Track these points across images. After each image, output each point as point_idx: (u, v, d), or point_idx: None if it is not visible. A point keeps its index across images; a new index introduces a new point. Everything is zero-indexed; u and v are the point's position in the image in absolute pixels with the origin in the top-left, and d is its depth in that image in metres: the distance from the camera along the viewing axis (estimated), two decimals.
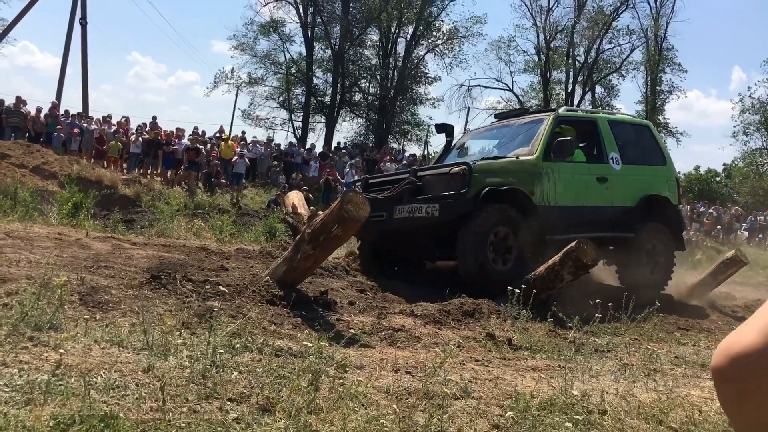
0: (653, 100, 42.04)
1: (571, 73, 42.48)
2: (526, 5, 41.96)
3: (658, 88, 42.25)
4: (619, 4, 40.80)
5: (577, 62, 42.38)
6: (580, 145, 8.86)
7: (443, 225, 7.31)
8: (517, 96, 43.35)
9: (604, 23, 40.39)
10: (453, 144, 10.13)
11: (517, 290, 5.81)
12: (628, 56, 41.81)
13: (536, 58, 42.43)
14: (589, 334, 5.81)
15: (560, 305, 5.91)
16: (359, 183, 8.78)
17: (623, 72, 42.28)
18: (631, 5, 40.97)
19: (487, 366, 4.39)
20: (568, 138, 8.05)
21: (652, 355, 5.28)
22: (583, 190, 8.47)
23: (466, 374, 3.95)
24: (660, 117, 42.70)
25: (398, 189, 7.63)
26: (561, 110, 8.94)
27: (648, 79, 42.40)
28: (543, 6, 41.91)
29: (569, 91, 42.48)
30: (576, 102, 42.32)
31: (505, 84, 43.33)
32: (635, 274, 8.44)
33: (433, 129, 13.83)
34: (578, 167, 8.55)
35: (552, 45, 42.13)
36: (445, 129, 10.29)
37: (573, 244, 6.87)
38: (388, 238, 8.07)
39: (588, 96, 43.01)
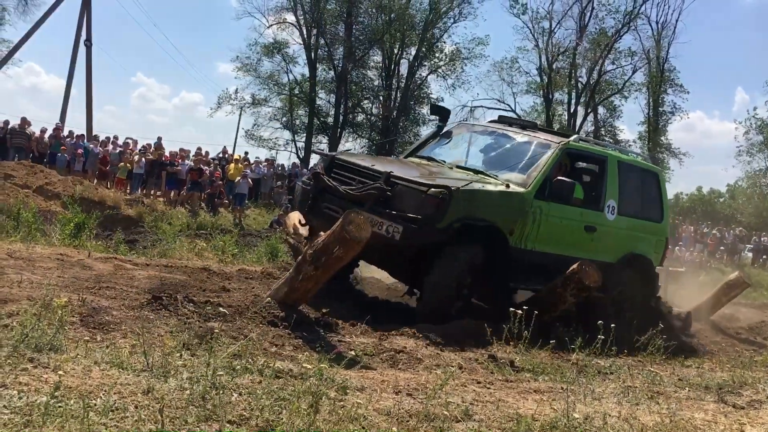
0: (655, 120, 42.16)
1: (573, 95, 42.66)
2: (528, 27, 42.21)
3: (660, 109, 42.39)
4: (621, 26, 41.05)
5: (579, 83, 42.58)
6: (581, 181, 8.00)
7: (400, 251, 6.40)
8: (519, 117, 43.49)
9: (606, 45, 40.61)
10: (444, 130, 8.89)
11: (519, 312, 5.77)
12: (630, 78, 42.00)
13: (538, 80, 42.61)
14: (592, 356, 5.78)
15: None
16: (324, 159, 7.56)
17: (625, 93, 42.43)
18: (633, 27, 41.23)
19: (488, 388, 4.37)
20: (570, 180, 7.22)
21: (655, 378, 5.25)
22: (568, 239, 7.53)
23: (467, 396, 3.93)
24: (662, 138, 42.84)
25: (364, 191, 6.59)
26: (573, 139, 7.90)
27: (650, 100, 42.55)
28: (545, 28, 42.16)
29: (572, 112, 42.64)
30: (578, 123, 42.46)
31: (508, 105, 43.45)
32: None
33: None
34: (569, 211, 7.46)
35: (554, 66, 42.32)
36: (440, 112, 9.29)
37: (575, 265, 6.85)
38: None
39: (590, 117, 43.19)
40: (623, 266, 7.98)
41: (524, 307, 5.95)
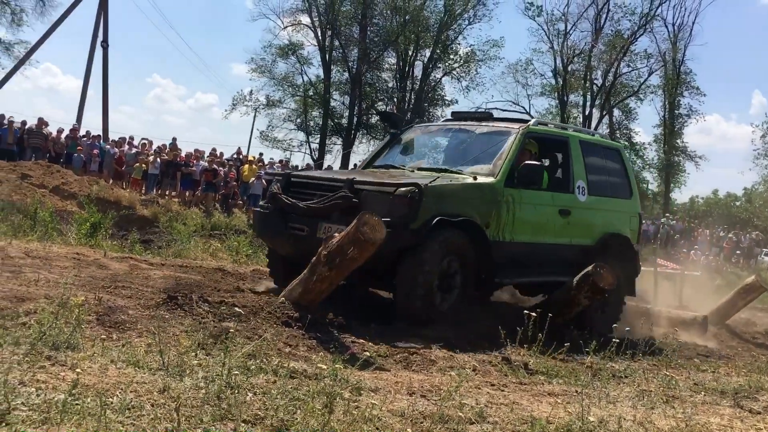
0: (671, 123, 41.95)
1: (588, 97, 42.47)
2: (543, 29, 42.11)
3: (676, 111, 42.18)
4: (636, 28, 40.88)
5: (594, 86, 42.39)
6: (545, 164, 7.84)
7: (376, 257, 5.71)
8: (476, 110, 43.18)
9: (621, 47, 40.41)
10: (398, 137, 8.43)
11: (533, 314, 5.75)
12: (646, 80, 41.80)
13: (553, 82, 42.49)
14: (607, 360, 5.75)
15: None
16: (279, 180, 7.09)
17: (641, 95, 42.24)
18: (649, 29, 41.06)
19: (502, 390, 4.36)
20: (538, 163, 7.00)
21: (670, 382, 5.21)
22: (543, 225, 7.30)
23: (481, 398, 3.92)
24: (678, 140, 42.61)
25: (327, 202, 6.27)
26: (532, 123, 7.67)
27: (666, 102, 42.35)
28: (560, 30, 42.04)
29: (587, 114, 42.47)
30: (593, 126, 42.31)
31: (522, 107, 43.34)
32: (585, 314, 7.29)
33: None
34: (541, 196, 7.26)
35: (569, 68, 42.19)
36: (391, 119, 8.96)
37: (590, 267, 6.82)
38: (308, 254, 6.17)
39: (605, 119, 42.98)
40: (603, 248, 7.78)
41: (538, 310, 5.92)
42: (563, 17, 41.73)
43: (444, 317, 6.20)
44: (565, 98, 42.33)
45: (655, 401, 4.40)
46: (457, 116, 8.75)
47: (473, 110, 10.19)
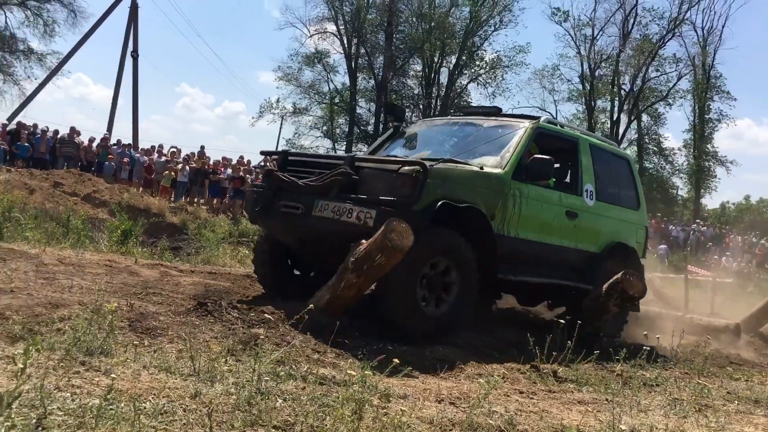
0: (701, 128, 41.43)
1: (616, 102, 42.15)
2: (570, 34, 41.98)
3: (706, 116, 41.65)
4: (665, 33, 40.55)
5: (622, 91, 42.06)
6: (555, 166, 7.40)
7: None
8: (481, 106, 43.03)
9: (650, 51, 40.07)
10: (401, 130, 8.25)
11: (562, 321, 5.70)
12: (675, 84, 41.41)
13: (580, 87, 42.25)
14: (638, 368, 5.69)
15: None
16: (275, 158, 6.78)
17: (670, 100, 41.88)
18: (678, 33, 40.71)
19: (532, 398, 4.33)
20: (548, 157, 6.64)
21: (703, 390, 5.14)
22: (550, 224, 7.01)
23: (510, 406, 3.90)
24: (709, 145, 42.04)
25: (326, 179, 5.90)
26: (543, 119, 7.37)
27: (696, 107, 41.83)
28: (587, 35, 41.86)
29: (614, 119, 42.13)
30: (621, 131, 41.92)
31: (549, 113, 43.13)
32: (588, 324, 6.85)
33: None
34: (549, 195, 7.01)
35: (597, 74, 41.93)
36: (395, 111, 8.69)
37: (619, 275, 6.75)
38: (302, 234, 6.21)
39: (634, 124, 42.58)
40: (609, 257, 7.53)
41: (567, 317, 5.87)
42: (590, 22, 41.60)
43: (441, 325, 5.80)
44: (593, 103, 42.06)
45: (688, 410, 4.35)
46: (464, 110, 8.59)
47: (480, 106, 9.49)
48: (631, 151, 43.45)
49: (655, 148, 43.14)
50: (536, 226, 6.81)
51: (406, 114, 9.61)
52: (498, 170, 6.50)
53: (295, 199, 6.07)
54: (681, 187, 44.71)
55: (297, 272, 7.23)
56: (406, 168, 5.73)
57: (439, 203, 5.66)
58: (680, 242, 28.56)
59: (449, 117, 8.58)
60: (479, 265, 6.03)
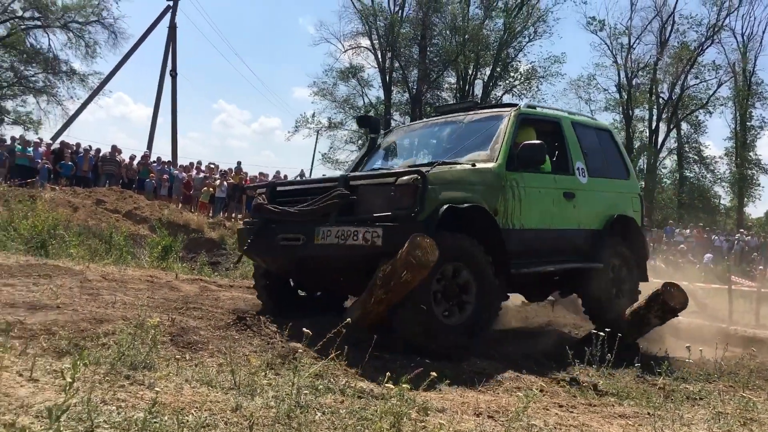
0: (743, 135, 40.60)
1: (654, 111, 41.57)
2: (606, 43, 41.65)
3: (748, 123, 40.84)
4: (704, 40, 39.96)
5: (661, 99, 41.49)
6: None
7: (388, 257, 5.17)
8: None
9: (688, 59, 39.49)
10: (377, 143, 8.04)
11: (601, 334, 5.63)
12: (714, 92, 40.70)
13: (617, 96, 41.79)
14: (680, 381, 5.59)
15: None
16: (263, 191, 6.54)
17: (710, 108, 41.14)
18: (717, 40, 40.07)
19: (571, 412, 4.29)
20: (539, 142, 6.48)
21: (748, 404, 5.02)
22: (549, 209, 6.84)
23: (550, 420, 3.87)
24: (751, 153, 41.20)
25: (323, 203, 5.69)
26: (523, 104, 7.14)
27: (737, 114, 41.03)
28: (624, 44, 41.44)
29: (653, 128, 41.55)
30: (660, 140, 41.33)
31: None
32: (602, 303, 7.14)
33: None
34: (544, 179, 6.84)
35: (634, 82, 41.45)
36: (369, 122, 8.29)
37: (659, 287, 6.66)
38: (306, 265, 5.99)
39: (673, 133, 41.94)
40: (611, 231, 7.49)
41: (606, 330, 5.80)
42: (626, 31, 41.25)
43: (463, 334, 5.60)
44: (630, 112, 41.54)
45: (732, 424, 4.25)
46: (441, 110, 8.42)
47: (455, 103, 9.39)
48: (670, 160, 42.90)
49: (696, 157, 42.44)
50: (538, 214, 6.68)
51: (375, 118, 9.35)
52: (491, 164, 6.33)
53: (294, 230, 5.85)
54: (723, 196, 43.91)
55: (302, 293, 7.09)
56: (404, 178, 5.50)
57: (443, 208, 5.51)
58: (723, 252, 27.94)
59: (426, 119, 8.35)
60: (494, 261, 5.87)
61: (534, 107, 7.59)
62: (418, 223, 5.35)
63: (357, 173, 6.28)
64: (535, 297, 7.84)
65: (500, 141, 6.51)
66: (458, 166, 6.16)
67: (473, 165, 6.23)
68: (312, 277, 6.43)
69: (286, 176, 25.00)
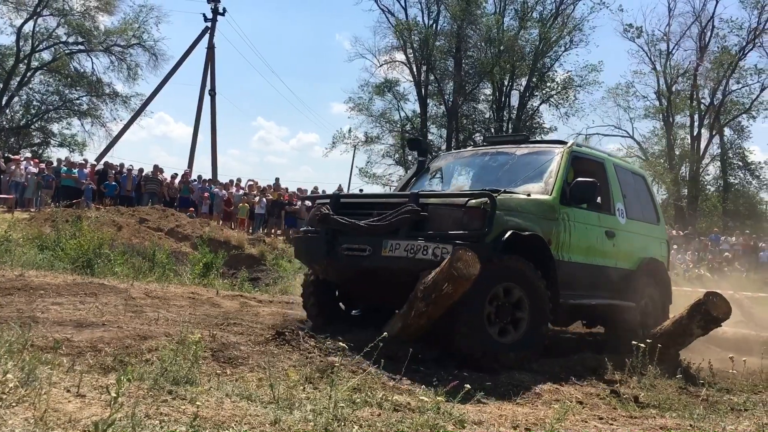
0: None
1: (696, 117, 40.80)
2: (644, 50, 41.06)
3: None
4: (745, 44, 39.05)
5: (702, 105, 40.71)
6: None
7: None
8: (638, 143, 42.12)
9: (729, 63, 38.70)
10: (427, 166, 8.24)
11: (642, 345, 5.57)
12: (758, 96, 39.69)
13: (657, 103, 41.15)
14: (724, 392, 5.49)
15: None
16: (326, 201, 6.64)
17: (754, 113, 40.07)
18: (759, 44, 39.09)
19: (611, 424, 4.25)
20: (591, 180, 6.70)
21: None
22: (594, 245, 7.09)
23: None
24: None
25: (394, 217, 5.88)
26: (574, 143, 7.45)
27: None
28: (662, 50, 40.84)
29: (695, 135, 40.78)
30: (703, 146, 40.56)
31: (625, 131, 42.24)
32: (627, 340, 6.46)
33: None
34: (590, 216, 7.09)
35: (674, 89, 40.76)
36: (419, 146, 8.61)
37: (702, 296, 6.56)
38: (370, 276, 6.16)
39: (716, 139, 41.10)
40: (643, 273, 7.69)
41: (648, 341, 5.74)
42: (665, 37, 40.64)
43: (517, 353, 5.71)
44: (671, 119, 40.86)
45: None
46: (491, 140, 8.76)
47: (506, 135, 9.69)
48: (714, 167, 41.99)
49: (740, 163, 41.45)
50: (583, 248, 6.92)
51: (425, 141, 9.46)
52: (546, 196, 6.58)
53: (360, 241, 6.04)
54: None
55: (342, 306, 7.23)
56: (474, 201, 5.75)
57: (508, 233, 5.73)
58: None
59: (476, 148, 8.59)
60: (548, 289, 6.05)
61: (581, 146, 7.85)
62: (486, 244, 5.61)
63: (426, 192, 6.49)
64: (560, 324, 7.86)
65: (554, 175, 6.79)
66: (520, 195, 6.37)
67: (528, 195, 6.45)
68: (369, 288, 6.51)
69: (324, 191, 25.22)
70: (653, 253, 8.07)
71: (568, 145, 7.26)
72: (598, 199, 7.38)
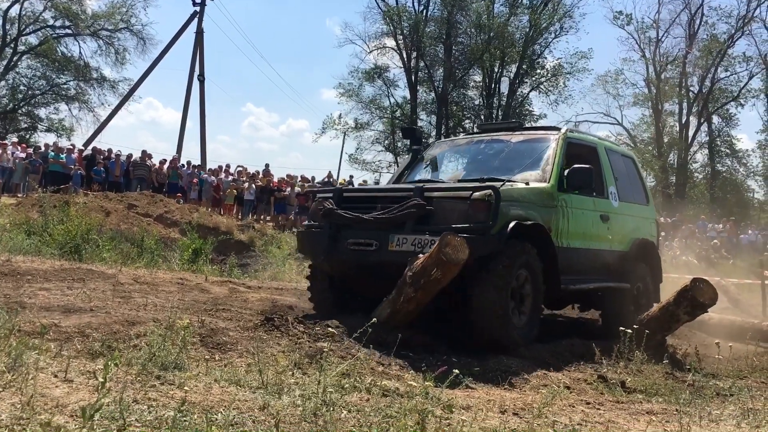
0: None
1: (684, 104, 40.96)
2: (633, 38, 41.17)
3: None
4: (734, 31, 39.19)
5: (690, 93, 40.86)
6: None
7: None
8: (627, 130, 42.28)
9: (718, 51, 38.82)
10: (421, 154, 8.24)
11: (629, 331, 5.61)
12: (746, 84, 39.89)
13: (646, 91, 41.27)
14: (710, 377, 5.54)
15: None
16: (329, 196, 6.63)
17: (742, 101, 40.31)
18: (747, 32, 39.23)
19: (598, 409, 4.29)
20: (587, 166, 6.76)
21: None
22: (590, 230, 7.20)
23: (575, 417, 3.88)
24: None
25: (400, 211, 5.91)
26: (568, 129, 7.62)
27: None
28: (652, 38, 40.92)
29: (683, 122, 40.95)
30: (691, 134, 40.74)
31: (614, 118, 42.39)
32: (621, 319, 6.81)
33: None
34: (585, 201, 7.12)
35: (663, 76, 40.88)
36: (413, 134, 8.57)
37: (688, 282, 6.61)
38: (377, 270, 6.11)
39: (704, 127, 41.29)
40: (636, 254, 7.83)
41: (635, 327, 5.78)
42: (654, 24, 40.72)
43: (524, 335, 5.93)
44: (660, 107, 41.00)
45: (762, 420, 4.21)
46: (485, 128, 8.71)
47: (500, 122, 9.66)
48: (701, 155, 42.23)
49: (728, 150, 41.70)
50: (581, 234, 7.02)
51: (419, 130, 9.29)
52: (544, 184, 6.63)
53: (366, 236, 6.05)
54: (757, 189, 43.10)
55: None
56: (478, 194, 5.79)
57: (512, 224, 5.79)
58: (758, 246, 27.41)
59: (471, 135, 8.56)
60: (544, 278, 6.22)
61: (573, 132, 7.88)
62: (491, 236, 5.68)
63: (430, 185, 6.50)
64: (552, 307, 7.98)
65: (551, 163, 6.84)
66: (520, 184, 6.43)
67: (527, 184, 6.50)
68: (373, 282, 6.35)
69: (314, 178, 25.20)
70: (644, 233, 8.19)
71: (563, 131, 7.33)
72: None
